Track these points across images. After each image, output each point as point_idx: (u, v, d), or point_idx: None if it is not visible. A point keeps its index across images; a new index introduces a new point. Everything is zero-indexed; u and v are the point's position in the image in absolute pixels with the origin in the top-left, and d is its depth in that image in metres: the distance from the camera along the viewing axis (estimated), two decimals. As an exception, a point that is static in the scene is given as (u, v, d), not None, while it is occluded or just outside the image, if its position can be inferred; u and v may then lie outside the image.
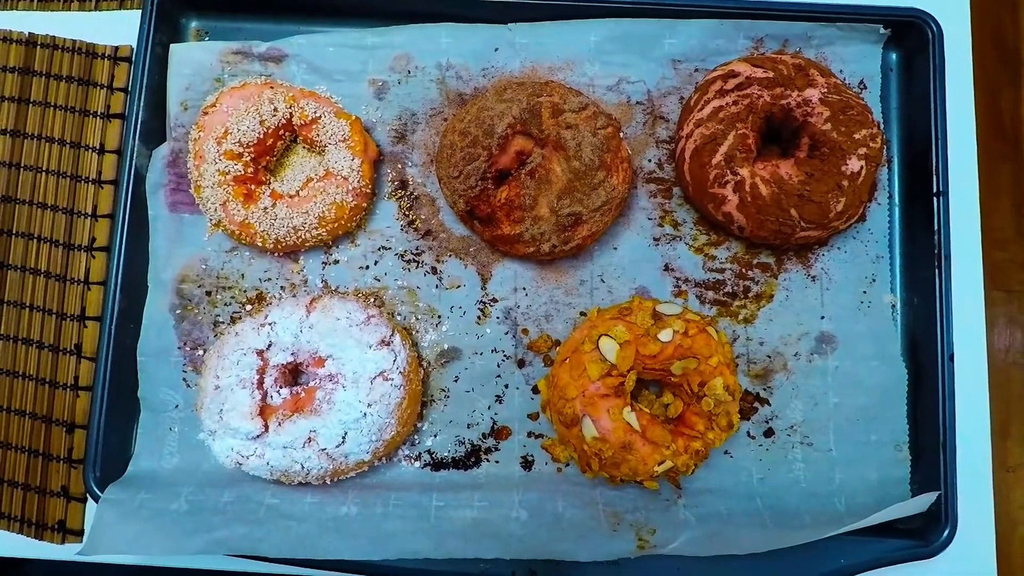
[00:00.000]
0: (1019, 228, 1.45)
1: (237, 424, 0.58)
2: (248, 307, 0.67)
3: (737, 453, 0.64)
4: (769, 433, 0.65)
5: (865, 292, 0.66)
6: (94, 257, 0.69)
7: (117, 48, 0.72)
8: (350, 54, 0.69)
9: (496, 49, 0.69)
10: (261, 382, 0.60)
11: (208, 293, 0.67)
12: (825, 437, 0.64)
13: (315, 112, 0.64)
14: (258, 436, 0.59)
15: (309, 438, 0.58)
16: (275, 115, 0.63)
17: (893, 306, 0.66)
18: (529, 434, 0.64)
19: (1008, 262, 1.44)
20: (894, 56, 0.70)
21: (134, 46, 0.69)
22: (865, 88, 0.68)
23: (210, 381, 0.60)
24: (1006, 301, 1.44)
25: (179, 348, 0.66)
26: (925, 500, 0.59)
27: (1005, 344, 1.42)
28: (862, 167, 0.61)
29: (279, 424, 0.59)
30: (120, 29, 0.72)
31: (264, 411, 0.59)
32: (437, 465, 0.64)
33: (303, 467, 0.59)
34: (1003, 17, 1.48)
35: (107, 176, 0.70)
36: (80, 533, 0.66)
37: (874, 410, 0.64)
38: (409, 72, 0.69)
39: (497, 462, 0.64)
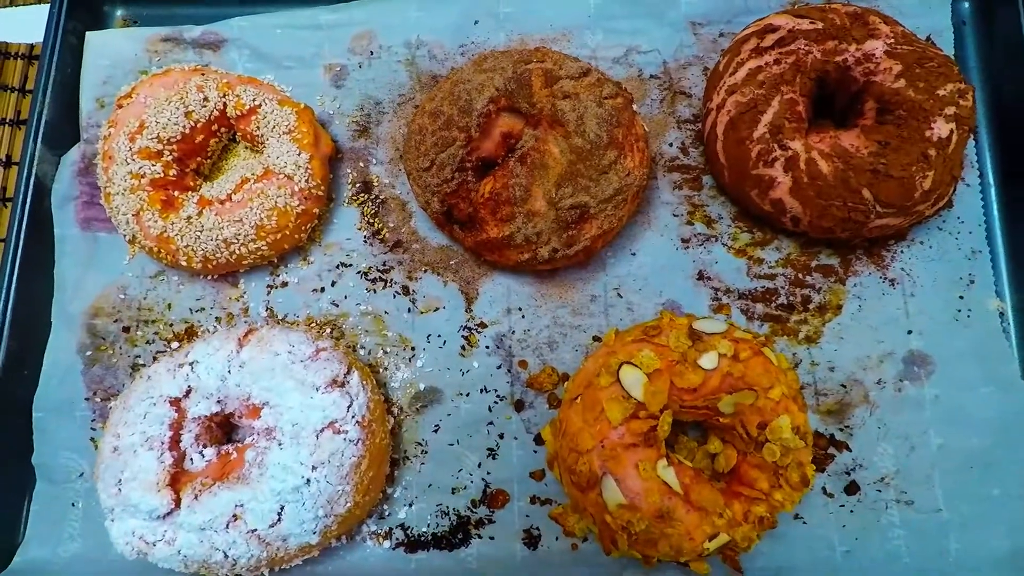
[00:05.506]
0: None
1: (138, 499, 0.45)
2: (175, 344, 0.55)
3: (811, 518, 0.52)
4: (852, 489, 0.53)
5: (962, 297, 0.56)
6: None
7: (32, 47, 0.63)
8: (301, 36, 0.61)
9: (476, 21, 0.61)
10: (176, 441, 0.46)
11: (126, 329, 0.56)
12: (930, 492, 0.52)
13: (253, 100, 0.54)
14: (166, 515, 0.45)
15: (235, 515, 0.45)
16: (205, 105, 0.54)
17: (1002, 314, 0.55)
18: (532, 499, 0.53)
19: None
20: (967, 5, 0.60)
21: (49, 39, 0.60)
22: (933, 45, 0.56)
23: (108, 441, 0.46)
24: None
25: (87, 399, 0.55)
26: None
27: None
28: (952, 131, 0.48)
29: (195, 497, 0.45)
30: (38, 26, 0.63)
31: (177, 479, 0.46)
32: (413, 544, 0.53)
33: (227, 555, 0.45)
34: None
35: (12, 193, 0.59)
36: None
37: (992, 453, 0.53)
38: (372, 53, 0.61)
39: (492, 538, 0.52)
